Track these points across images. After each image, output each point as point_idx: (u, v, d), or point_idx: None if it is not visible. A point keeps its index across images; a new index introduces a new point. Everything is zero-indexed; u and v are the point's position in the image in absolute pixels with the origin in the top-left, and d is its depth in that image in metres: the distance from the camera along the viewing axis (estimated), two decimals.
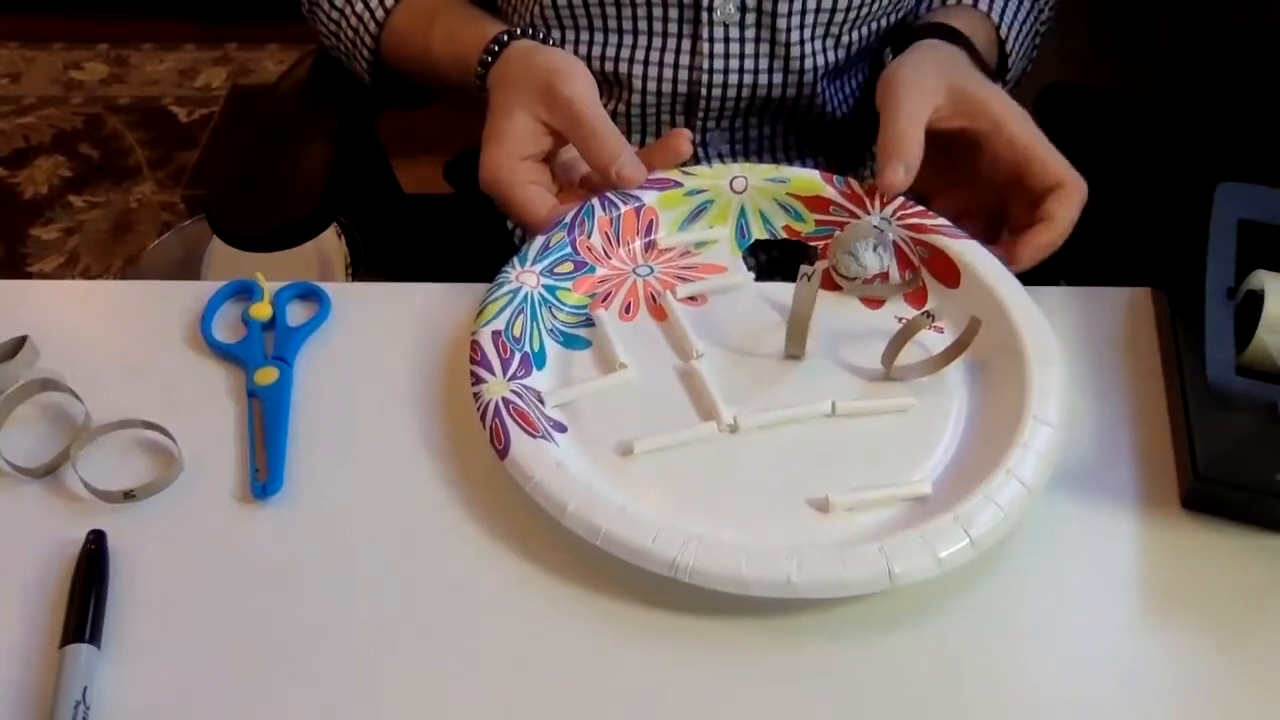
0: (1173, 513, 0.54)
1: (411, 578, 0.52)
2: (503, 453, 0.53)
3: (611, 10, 0.73)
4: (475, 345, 0.57)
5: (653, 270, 0.64)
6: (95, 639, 0.50)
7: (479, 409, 0.55)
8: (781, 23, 0.72)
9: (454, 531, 0.54)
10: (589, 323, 0.61)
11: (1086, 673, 0.49)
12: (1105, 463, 0.56)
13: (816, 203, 0.65)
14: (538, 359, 0.59)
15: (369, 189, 0.96)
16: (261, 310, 0.63)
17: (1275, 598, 0.51)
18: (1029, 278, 0.61)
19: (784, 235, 0.66)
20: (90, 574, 0.52)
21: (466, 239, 0.88)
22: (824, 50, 0.75)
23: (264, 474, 0.56)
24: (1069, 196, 0.61)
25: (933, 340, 0.60)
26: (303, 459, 0.57)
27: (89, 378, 0.60)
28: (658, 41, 0.74)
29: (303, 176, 0.79)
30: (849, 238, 0.62)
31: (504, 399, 0.55)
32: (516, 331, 0.58)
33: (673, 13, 0.73)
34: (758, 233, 0.66)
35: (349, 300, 0.65)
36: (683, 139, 0.64)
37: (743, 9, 0.72)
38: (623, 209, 0.64)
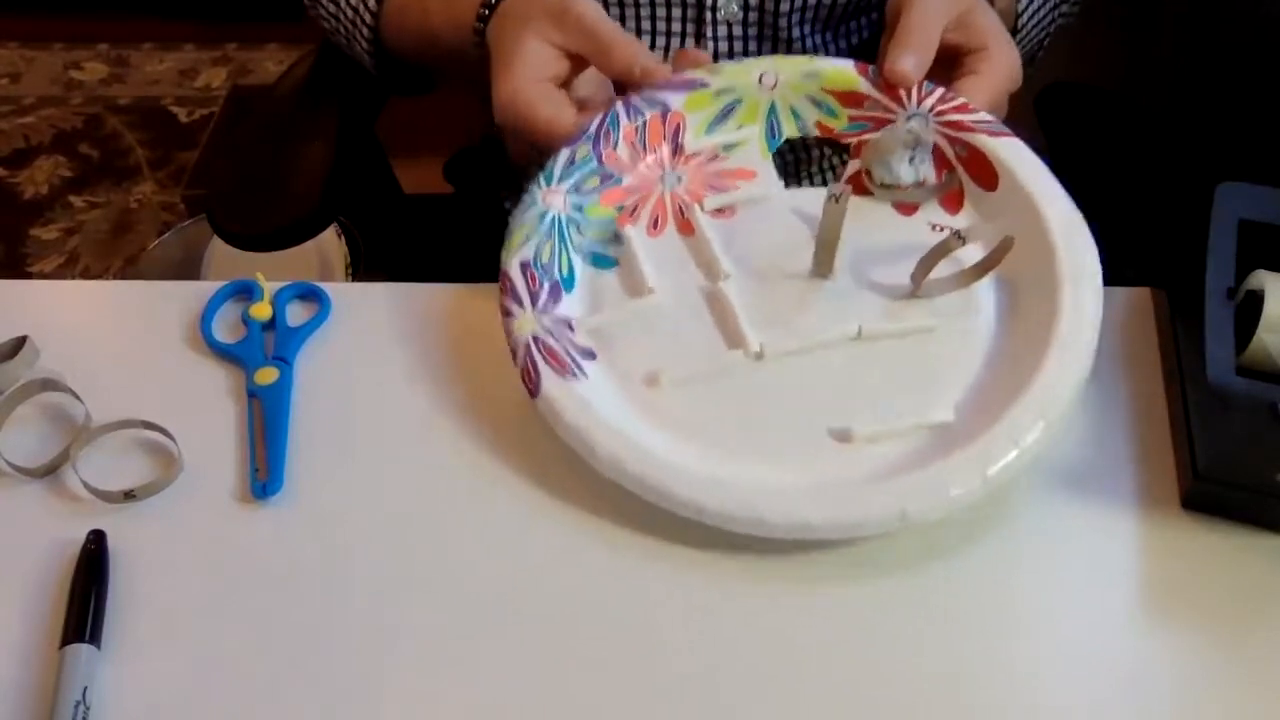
0: (1173, 513, 0.54)
1: (412, 577, 0.52)
2: (534, 392, 0.54)
3: (615, 9, 0.73)
4: (504, 276, 0.57)
5: (681, 179, 0.63)
6: (95, 639, 0.50)
7: (510, 345, 0.55)
8: (783, 20, 0.73)
9: (454, 531, 0.54)
10: (617, 239, 0.61)
11: (1086, 673, 0.49)
12: (1105, 463, 0.56)
13: (850, 98, 0.63)
14: (566, 282, 0.59)
15: (369, 189, 0.96)
16: (261, 310, 0.63)
17: (1275, 598, 0.51)
18: None
19: (816, 133, 0.64)
20: (90, 574, 0.52)
21: (466, 239, 0.88)
22: (825, 44, 0.75)
23: (264, 474, 0.56)
24: (991, 59, 0.61)
25: (965, 252, 0.58)
26: (303, 459, 0.57)
27: (89, 378, 0.60)
28: (661, 40, 0.74)
29: (303, 176, 0.79)
30: (884, 148, 0.60)
31: (534, 335, 0.55)
32: (545, 259, 0.58)
33: (675, 12, 0.73)
34: (789, 131, 0.64)
35: (349, 300, 0.65)
36: (695, 53, 0.63)
37: (745, 7, 0.72)
38: (648, 115, 0.62)
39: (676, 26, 0.74)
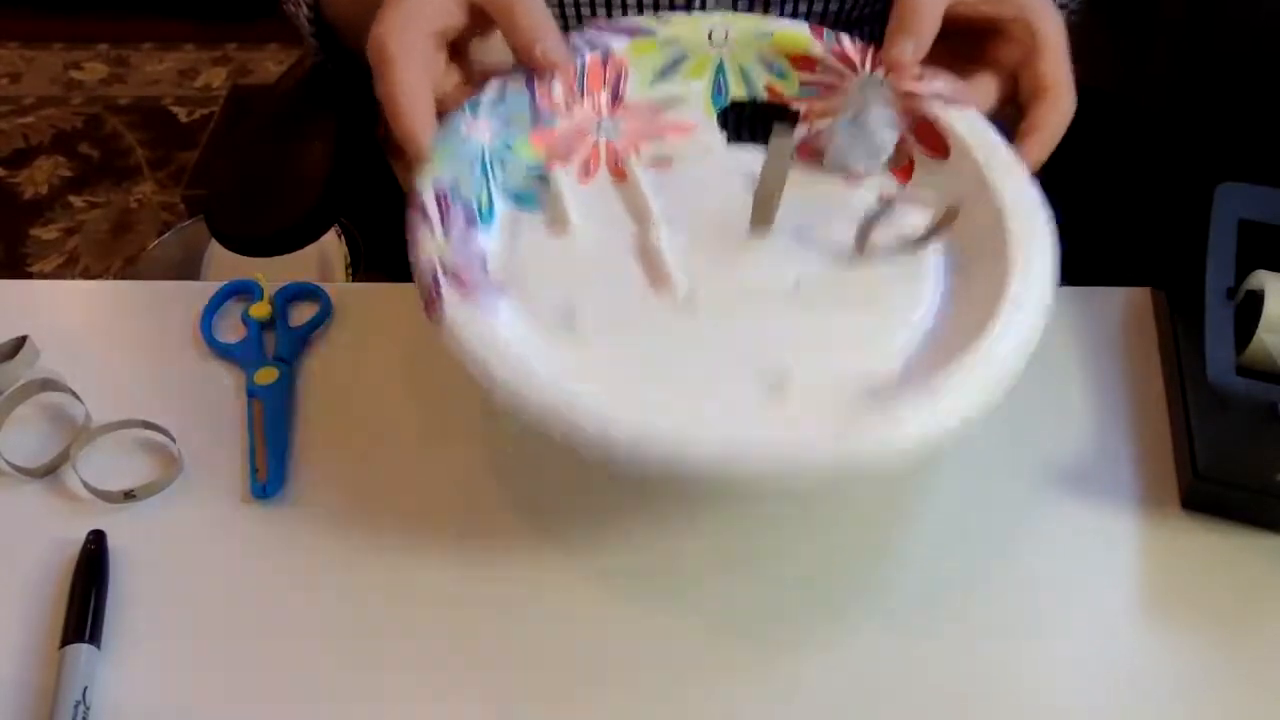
0: (1173, 513, 0.54)
1: (412, 578, 0.52)
2: (436, 314, 0.49)
3: (602, 10, 0.73)
4: (416, 199, 0.52)
5: (618, 127, 0.60)
6: (95, 639, 0.50)
7: (414, 269, 0.50)
8: None
9: (455, 531, 0.54)
10: (543, 180, 0.57)
11: (1086, 672, 0.49)
12: (1105, 463, 0.56)
13: (803, 61, 0.60)
14: (485, 216, 0.55)
15: (369, 189, 0.96)
16: (261, 310, 0.63)
17: (1275, 598, 0.51)
18: None
19: (765, 96, 0.61)
20: (90, 574, 0.52)
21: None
22: None
23: (264, 474, 0.56)
24: (1053, 106, 0.57)
25: (911, 219, 0.55)
26: (303, 459, 0.57)
27: (89, 378, 0.60)
28: None
29: (303, 178, 0.79)
30: (858, 113, 0.57)
31: (442, 259, 0.51)
32: (464, 190, 0.54)
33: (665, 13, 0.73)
34: (736, 91, 0.61)
35: (349, 300, 0.65)
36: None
37: (735, 10, 0.72)
38: (588, 56, 0.59)
39: None
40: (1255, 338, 0.55)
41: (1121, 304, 0.63)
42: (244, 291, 0.65)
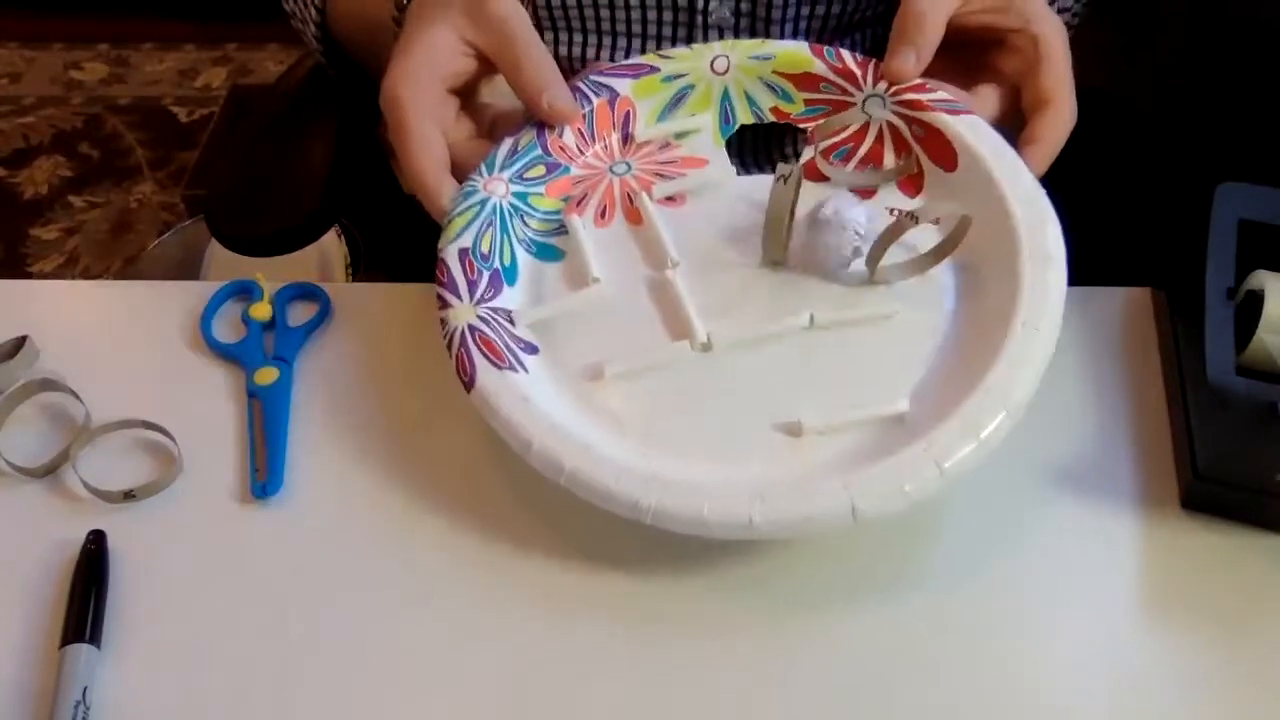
0: (1173, 513, 0.54)
1: (411, 577, 0.52)
2: (469, 385, 0.52)
3: (606, 13, 0.73)
4: (441, 264, 0.55)
5: (630, 167, 0.61)
6: (95, 639, 0.50)
7: (445, 336, 0.53)
8: (775, 29, 0.73)
9: (454, 531, 0.54)
10: (562, 230, 0.59)
11: (1086, 672, 0.49)
12: (1105, 463, 0.56)
13: (805, 80, 0.61)
14: (508, 274, 0.56)
15: (369, 189, 0.96)
16: (261, 310, 0.63)
17: (1275, 598, 0.51)
18: None
19: (771, 118, 0.62)
20: (90, 574, 0.52)
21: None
22: None
23: (264, 474, 0.56)
24: (1055, 117, 0.58)
25: (923, 237, 0.55)
26: (302, 459, 0.57)
27: (89, 378, 0.60)
28: (652, 44, 0.74)
29: (303, 178, 0.79)
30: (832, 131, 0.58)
31: (470, 325, 0.53)
32: (485, 247, 0.56)
33: (667, 15, 0.73)
34: (743, 117, 0.62)
35: (349, 300, 0.65)
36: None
37: (737, 13, 0.72)
38: (595, 101, 0.60)
39: (668, 30, 0.74)
40: (1255, 338, 0.55)
41: (1121, 304, 0.63)
42: (244, 291, 0.65)
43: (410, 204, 1.03)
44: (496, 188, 0.57)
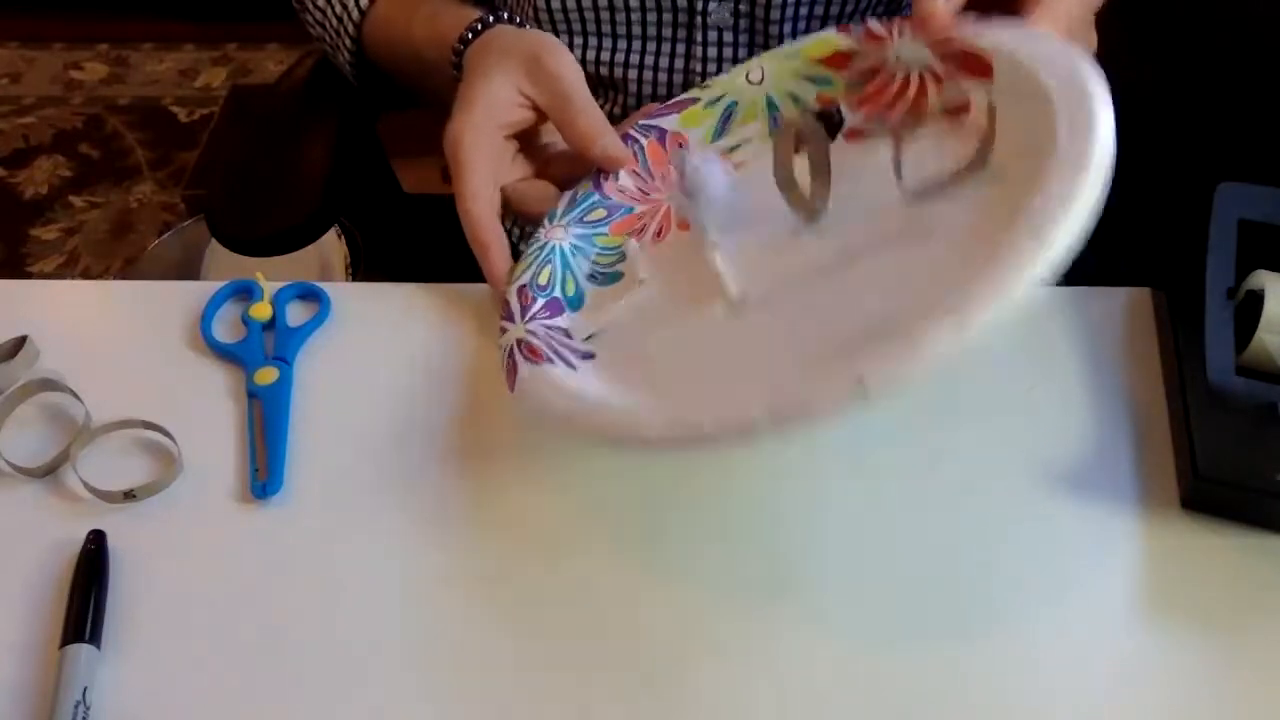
0: (1173, 513, 0.54)
1: (412, 578, 0.52)
2: (511, 385, 0.53)
3: (605, 14, 0.73)
4: (503, 304, 0.58)
5: None
6: (95, 639, 0.50)
7: (501, 359, 0.55)
8: (774, 29, 0.73)
9: (455, 531, 0.54)
10: (624, 258, 0.61)
11: (1086, 672, 0.49)
12: (1105, 463, 0.56)
13: (837, 60, 0.62)
14: (571, 302, 0.59)
15: (369, 189, 0.96)
16: (261, 310, 0.63)
17: (1275, 598, 0.51)
18: None
19: (818, 106, 0.63)
20: (90, 574, 0.52)
21: (466, 239, 0.88)
22: None
23: (264, 474, 0.56)
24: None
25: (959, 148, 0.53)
26: (302, 459, 0.57)
27: (89, 378, 0.60)
28: (651, 45, 0.74)
29: (303, 178, 0.79)
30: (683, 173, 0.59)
31: (519, 339, 0.55)
32: (543, 280, 0.58)
33: (666, 16, 0.73)
34: (791, 116, 0.63)
35: (349, 300, 0.65)
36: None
37: (736, 14, 0.72)
38: (644, 142, 0.62)
39: (667, 32, 0.74)
40: (1255, 338, 0.55)
41: (1121, 304, 0.63)
42: (244, 291, 0.65)
43: (410, 204, 1.03)
44: (556, 233, 0.60)
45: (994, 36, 0.56)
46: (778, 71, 0.63)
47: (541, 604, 0.51)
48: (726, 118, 0.64)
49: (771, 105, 0.63)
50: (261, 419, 0.58)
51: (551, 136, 0.64)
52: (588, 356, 0.55)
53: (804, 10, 0.72)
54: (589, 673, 0.49)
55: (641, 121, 0.64)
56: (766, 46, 0.73)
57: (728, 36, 0.73)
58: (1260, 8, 0.86)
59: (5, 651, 0.50)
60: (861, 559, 0.52)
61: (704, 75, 0.74)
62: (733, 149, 0.63)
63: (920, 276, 0.49)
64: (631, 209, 0.62)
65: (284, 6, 0.82)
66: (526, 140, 0.64)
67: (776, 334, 0.52)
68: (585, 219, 0.61)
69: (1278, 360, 0.55)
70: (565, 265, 0.59)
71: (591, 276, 0.60)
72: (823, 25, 0.73)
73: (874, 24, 0.61)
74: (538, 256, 0.59)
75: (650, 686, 0.49)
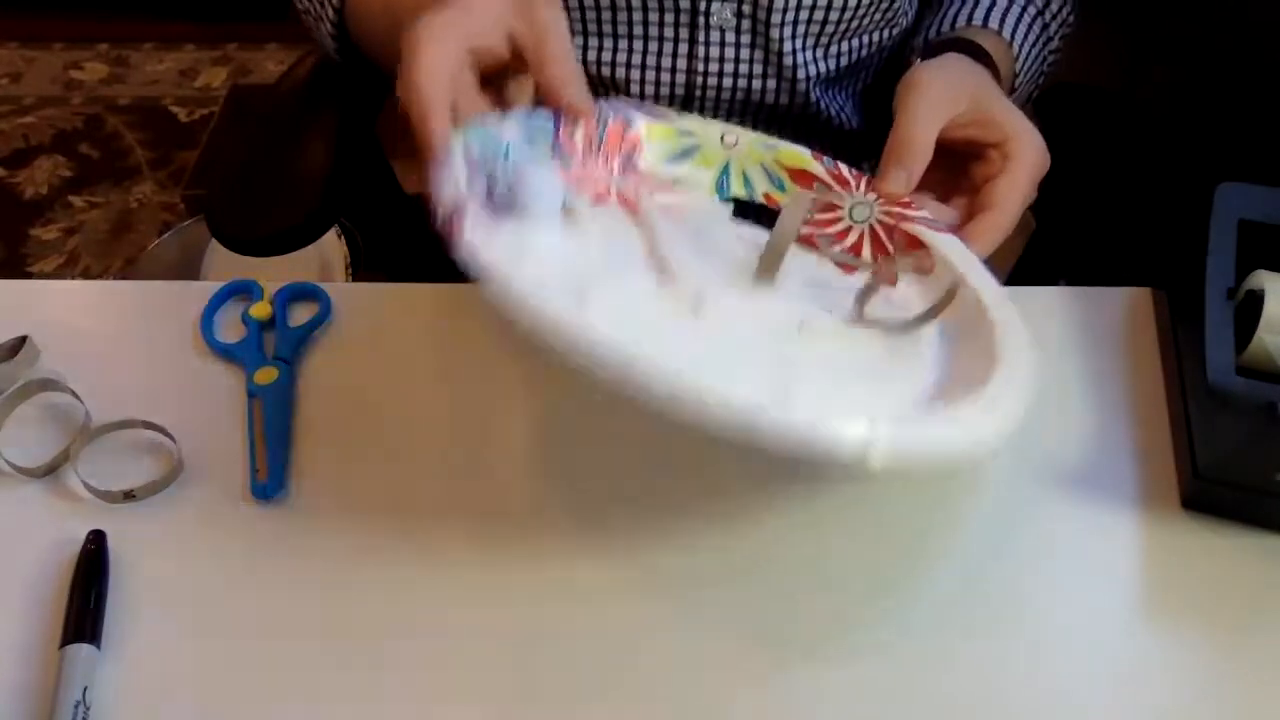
0: (1173, 513, 0.54)
1: (412, 578, 0.52)
2: (455, 239, 0.48)
3: (607, 14, 0.73)
4: (440, 156, 0.53)
5: (628, 184, 0.62)
6: (95, 639, 0.50)
7: (435, 203, 0.51)
8: (775, 31, 0.73)
9: (454, 531, 0.54)
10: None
11: (1086, 672, 0.49)
12: (1105, 463, 0.56)
13: (802, 176, 0.64)
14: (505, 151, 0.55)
15: (369, 189, 0.96)
16: (261, 310, 0.63)
17: (1275, 598, 0.51)
18: (1029, 277, 0.61)
19: (761, 201, 0.64)
20: (90, 574, 0.52)
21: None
22: (815, 60, 0.75)
23: (264, 474, 0.56)
24: (993, 222, 0.60)
25: (908, 303, 0.57)
26: (303, 459, 0.57)
27: (89, 378, 0.60)
28: (654, 46, 0.74)
29: (303, 178, 0.79)
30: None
31: (458, 200, 0.51)
32: (489, 168, 0.55)
33: (669, 17, 0.73)
34: (737, 190, 0.65)
35: (349, 300, 0.65)
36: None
37: (738, 14, 0.72)
38: (611, 119, 0.62)
39: (670, 32, 0.74)
40: (1255, 338, 0.55)
41: (1121, 304, 0.63)
42: (244, 291, 0.65)
43: (410, 204, 1.03)
44: (508, 132, 0.56)
45: (946, 246, 0.59)
46: (749, 151, 0.65)
47: (545, 603, 0.51)
48: (686, 152, 0.65)
49: (725, 171, 0.65)
50: (261, 419, 0.58)
51: (516, 96, 0.60)
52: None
53: (805, 12, 0.72)
54: (595, 673, 0.49)
55: (617, 102, 0.63)
56: (768, 47, 0.73)
57: (730, 37, 0.73)
58: (1260, 9, 0.86)
59: (5, 651, 0.50)
60: (861, 559, 0.52)
61: (705, 76, 0.74)
62: (679, 181, 0.64)
63: (876, 378, 0.53)
64: (570, 164, 0.59)
65: (284, 6, 0.82)
66: (488, 86, 0.60)
67: (736, 349, 0.52)
68: (534, 139, 0.58)
69: (1278, 360, 0.55)
70: (507, 161, 0.56)
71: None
72: (823, 27, 0.73)
73: (845, 168, 0.63)
74: (486, 138, 0.55)
75: (650, 701, 0.49)
